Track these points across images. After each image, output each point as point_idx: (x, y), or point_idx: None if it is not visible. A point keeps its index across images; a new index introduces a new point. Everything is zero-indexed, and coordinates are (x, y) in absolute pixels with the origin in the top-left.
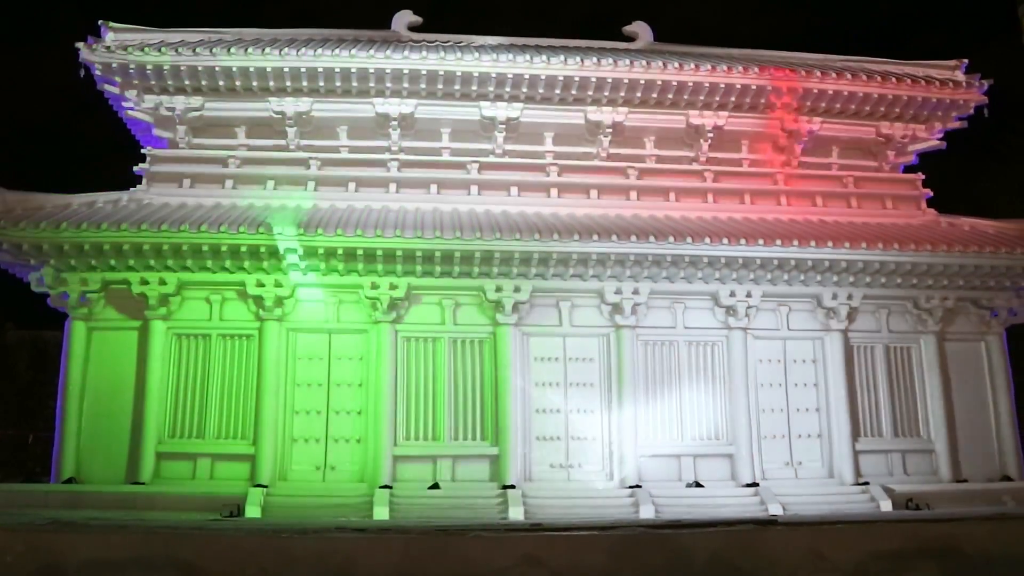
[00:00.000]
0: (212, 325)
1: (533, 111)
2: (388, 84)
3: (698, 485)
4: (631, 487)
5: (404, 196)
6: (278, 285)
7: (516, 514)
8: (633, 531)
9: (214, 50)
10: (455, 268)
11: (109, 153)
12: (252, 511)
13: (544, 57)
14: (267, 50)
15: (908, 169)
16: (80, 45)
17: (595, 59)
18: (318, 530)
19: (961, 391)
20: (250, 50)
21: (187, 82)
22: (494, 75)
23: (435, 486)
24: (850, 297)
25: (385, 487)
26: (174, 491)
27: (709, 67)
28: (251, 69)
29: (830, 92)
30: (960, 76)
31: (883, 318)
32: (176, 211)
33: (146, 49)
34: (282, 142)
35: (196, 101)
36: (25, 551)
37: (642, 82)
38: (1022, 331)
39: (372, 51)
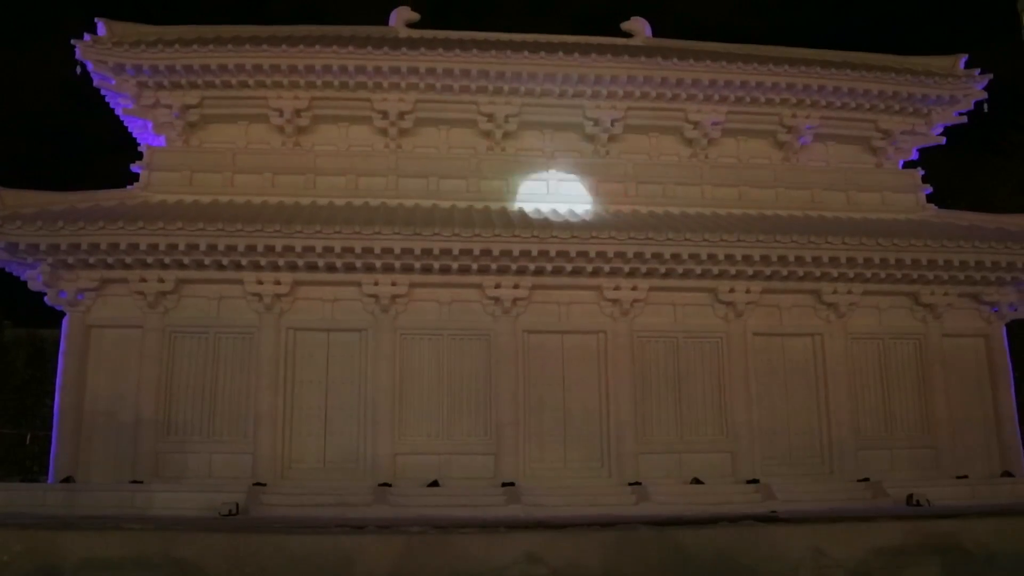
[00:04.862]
0: (211, 323)
1: (531, 107)
2: (386, 80)
3: (698, 482)
4: (632, 484)
5: (403, 192)
6: (276, 283)
7: (516, 511)
8: (633, 528)
9: (211, 47)
10: (453, 264)
11: (110, 150)
12: (251, 509)
13: (540, 53)
14: (264, 47)
15: (908, 164)
16: (76, 42)
17: (593, 55)
18: (317, 528)
19: (962, 386)
20: (247, 47)
21: (184, 79)
22: (492, 71)
23: (434, 483)
24: (849, 292)
25: (384, 485)
26: (172, 490)
27: (707, 62)
28: (248, 66)
29: (829, 87)
30: (959, 71)
31: (883, 313)
32: (173, 208)
33: (142, 46)
34: (280, 138)
35: (193, 98)
36: (23, 550)
37: (641, 78)
38: (1023, 326)
39: (369, 47)
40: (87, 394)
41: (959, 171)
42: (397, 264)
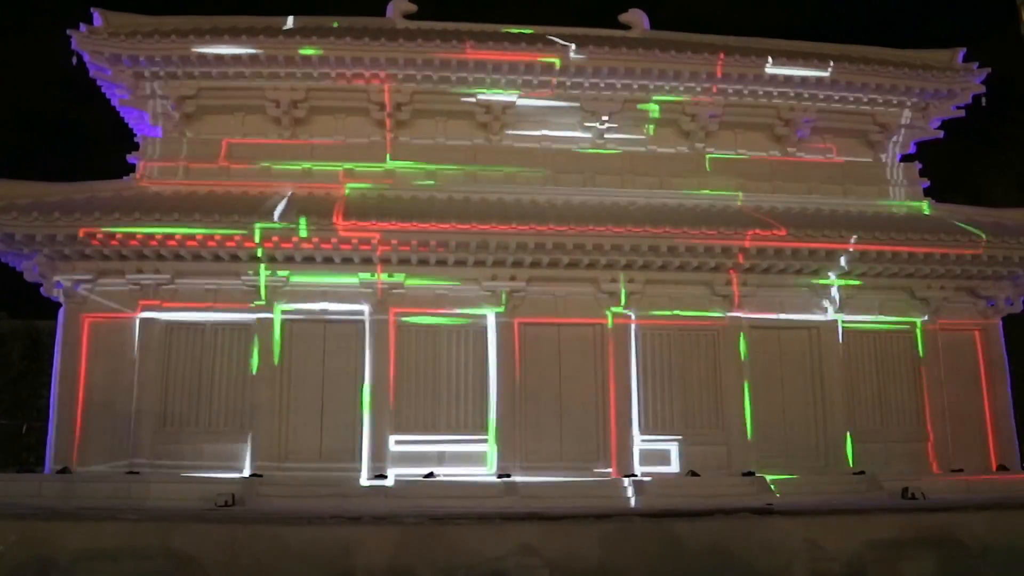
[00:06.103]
0: (207, 314)
1: (528, 99)
2: (382, 71)
3: (694, 474)
4: (627, 476)
5: (400, 183)
6: (273, 275)
7: (512, 503)
8: (628, 520)
9: (207, 37)
10: (451, 257)
11: (106, 141)
12: (247, 500)
13: (538, 45)
14: (260, 37)
15: (905, 158)
16: (72, 32)
17: (591, 47)
18: (313, 519)
19: (957, 381)
20: (243, 37)
21: (180, 70)
22: (489, 63)
23: (430, 475)
24: (846, 285)
25: (380, 476)
26: (168, 481)
27: (705, 55)
28: (244, 57)
29: (827, 80)
30: (958, 64)
31: (879, 307)
32: (170, 199)
33: (138, 36)
34: (276, 129)
35: (189, 89)
36: (19, 541)
37: (637, 70)
38: (1019, 321)
39: (365, 39)
40: (83, 385)
41: (957, 165)
42: (395, 258)
